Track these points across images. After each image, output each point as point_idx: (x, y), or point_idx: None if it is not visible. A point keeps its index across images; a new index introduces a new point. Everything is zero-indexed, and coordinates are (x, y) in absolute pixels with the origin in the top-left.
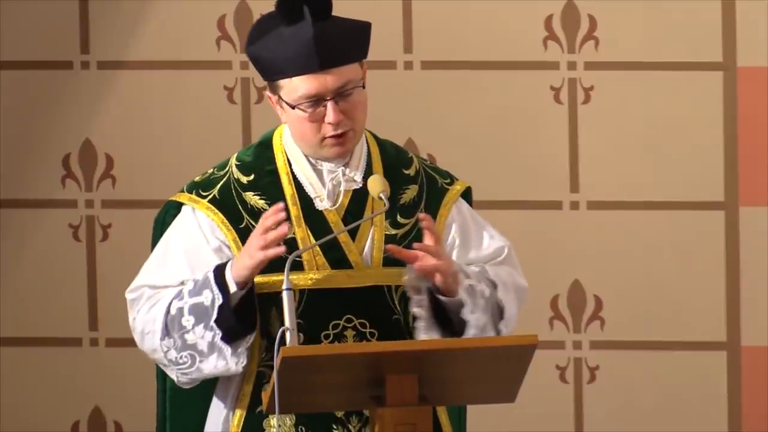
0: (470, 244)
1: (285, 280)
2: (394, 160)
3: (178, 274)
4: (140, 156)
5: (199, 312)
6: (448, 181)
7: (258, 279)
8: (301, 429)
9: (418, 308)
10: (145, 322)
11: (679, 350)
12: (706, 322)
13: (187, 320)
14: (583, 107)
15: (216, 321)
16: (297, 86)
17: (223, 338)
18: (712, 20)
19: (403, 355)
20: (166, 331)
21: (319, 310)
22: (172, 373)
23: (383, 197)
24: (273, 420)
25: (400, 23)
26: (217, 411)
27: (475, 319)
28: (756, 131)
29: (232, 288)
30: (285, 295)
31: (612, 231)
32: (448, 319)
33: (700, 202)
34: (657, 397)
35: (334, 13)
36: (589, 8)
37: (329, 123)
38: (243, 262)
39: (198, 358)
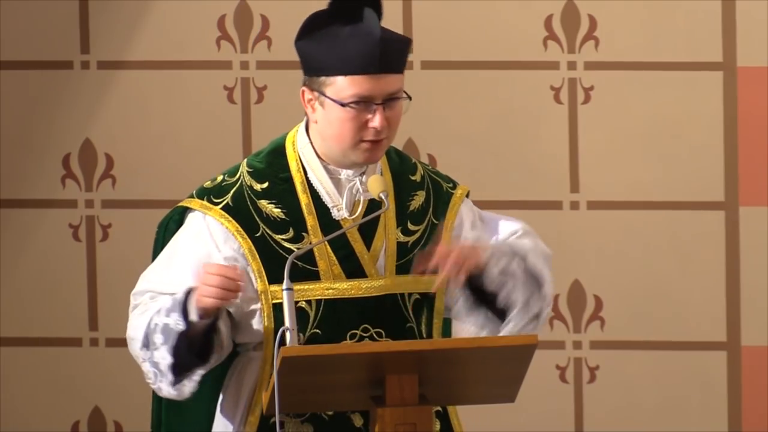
0: (485, 237)
1: (285, 280)
2: (399, 166)
3: (181, 281)
4: (140, 156)
5: (166, 333)
6: (450, 185)
7: (273, 288)
8: None
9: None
10: (132, 327)
11: (679, 350)
12: (706, 322)
13: (158, 338)
14: (583, 107)
15: (174, 347)
16: (350, 85)
17: (171, 366)
18: (712, 20)
19: (403, 355)
20: (146, 343)
21: (337, 319)
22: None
23: (383, 197)
24: (289, 427)
25: (400, 23)
26: (226, 416)
27: (514, 299)
28: (756, 131)
29: (193, 316)
30: (285, 294)
31: (612, 231)
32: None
33: (700, 202)
34: (657, 397)
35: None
36: (589, 8)
37: (373, 127)
38: (198, 299)
39: (159, 377)
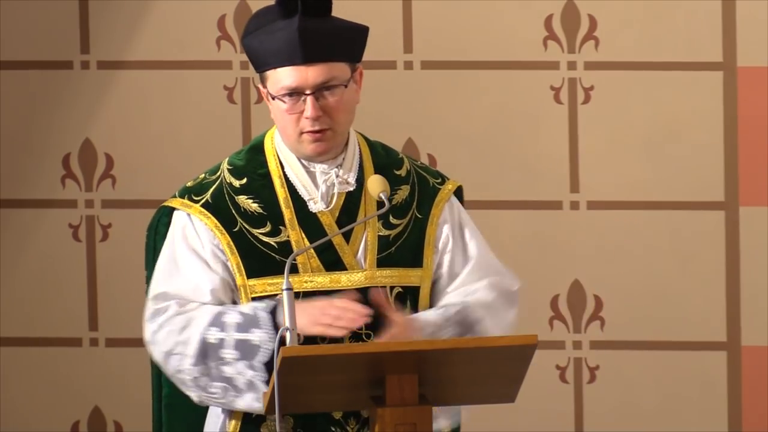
0: (460, 247)
1: (285, 280)
2: (385, 160)
3: (196, 279)
4: (140, 156)
5: (244, 349)
6: (439, 180)
7: (251, 282)
8: None
9: None
10: (174, 343)
11: (679, 350)
12: (706, 322)
13: (229, 353)
14: (583, 107)
15: (265, 363)
16: (280, 77)
17: (266, 381)
18: (712, 20)
19: (403, 355)
20: (202, 359)
21: None
22: (192, 393)
23: (383, 197)
24: (271, 423)
25: (400, 23)
26: (214, 415)
27: None
28: (756, 131)
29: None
30: (285, 294)
31: (612, 231)
32: None
33: (700, 202)
34: (657, 397)
35: (335, 14)
36: (589, 8)
37: (306, 118)
38: (303, 326)
39: (232, 392)
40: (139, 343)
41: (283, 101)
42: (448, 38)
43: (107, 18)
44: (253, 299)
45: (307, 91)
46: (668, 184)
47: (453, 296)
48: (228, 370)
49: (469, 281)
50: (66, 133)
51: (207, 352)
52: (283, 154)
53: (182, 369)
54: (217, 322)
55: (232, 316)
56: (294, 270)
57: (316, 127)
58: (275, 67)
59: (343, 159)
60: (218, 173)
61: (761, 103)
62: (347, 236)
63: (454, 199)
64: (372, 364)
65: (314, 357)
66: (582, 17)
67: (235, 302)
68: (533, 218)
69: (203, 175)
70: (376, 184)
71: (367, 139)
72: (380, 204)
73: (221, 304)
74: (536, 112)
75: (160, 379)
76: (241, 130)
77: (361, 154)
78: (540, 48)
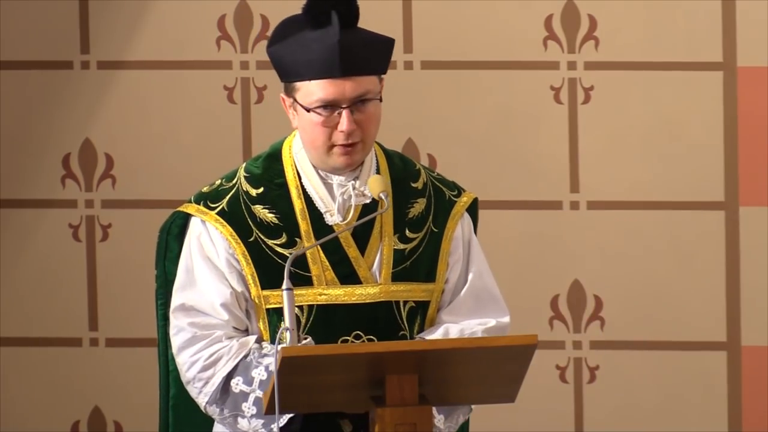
0: (465, 267)
1: (285, 280)
2: (402, 173)
3: (210, 293)
4: (140, 156)
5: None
6: (455, 193)
7: (265, 293)
8: None
9: None
10: (196, 377)
11: (679, 350)
12: (706, 322)
13: (249, 408)
14: (583, 107)
15: (281, 429)
16: (314, 90)
17: None
18: (712, 20)
19: (403, 355)
20: (220, 401)
21: (328, 325)
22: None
23: (383, 197)
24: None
25: (400, 23)
26: None
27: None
28: (756, 131)
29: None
30: (285, 294)
31: (612, 231)
32: None
33: (700, 202)
34: (657, 397)
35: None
36: (589, 8)
37: (341, 131)
38: None
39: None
40: (139, 343)
41: (318, 113)
42: (448, 38)
43: (107, 18)
44: (267, 311)
45: (344, 105)
46: (668, 184)
47: (452, 332)
48: (243, 423)
49: (463, 309)
50: (66, 133)
51: (226, 399)
52: (300, 164)
53: (194, 395)
54: (242, 371)
55: (259, 372)
56: (309, 282)
57: (350, 141)
58: (309, 79)
59: (360, 171)
60: (235, 180)
61: (761, 103)
62: (362, 249)
63: (467, 215)
64: (372, 364)
65: (314, 357)
66: (582, 17)
67: (248, 312)
68: (533, 218)
69: (220, 181)
70: (375, 184)
71: (384, 150)
72: (395, 217)
73: (235, 317)
74: (536, 112)
75: (168, 380)
76: (241, 130)
77: (378, 166)
78: (540, 48)
